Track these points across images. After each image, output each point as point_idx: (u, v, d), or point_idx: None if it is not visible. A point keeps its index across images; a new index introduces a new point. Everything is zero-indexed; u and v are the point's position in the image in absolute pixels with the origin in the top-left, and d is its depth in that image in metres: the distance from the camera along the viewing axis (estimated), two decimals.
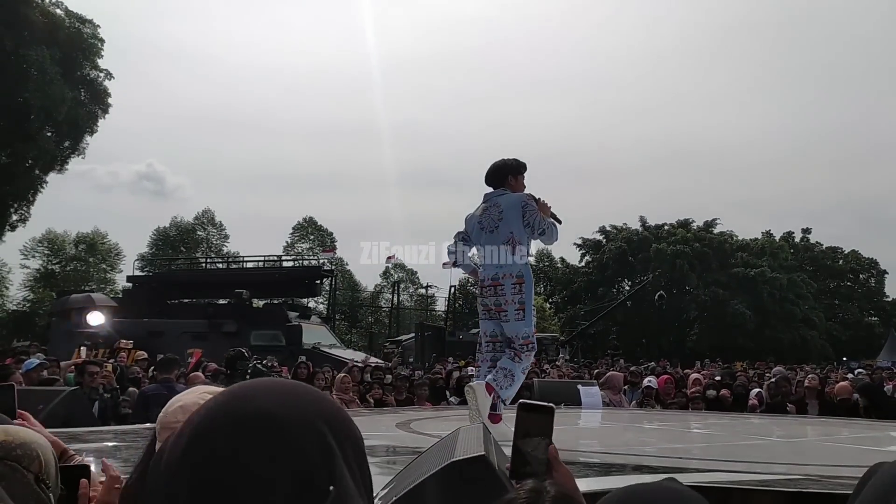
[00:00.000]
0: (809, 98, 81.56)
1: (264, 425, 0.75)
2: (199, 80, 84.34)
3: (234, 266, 31.69)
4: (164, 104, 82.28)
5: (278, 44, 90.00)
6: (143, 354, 11.63)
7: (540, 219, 4.58)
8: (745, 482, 2.88)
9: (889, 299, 57.64)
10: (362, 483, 0.80)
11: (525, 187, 4.85)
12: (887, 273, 55.98)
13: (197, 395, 1.57)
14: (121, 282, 44.10)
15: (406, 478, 2.23)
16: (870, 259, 55.48)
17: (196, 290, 25.14)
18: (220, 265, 36.26)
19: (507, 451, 1.79)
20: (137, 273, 29.89)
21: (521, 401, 1.71)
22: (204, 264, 36.52)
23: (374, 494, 2.08)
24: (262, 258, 27.71)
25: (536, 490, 1.32)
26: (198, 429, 0.77)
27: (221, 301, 24.46)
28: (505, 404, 4.58)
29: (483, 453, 1.87)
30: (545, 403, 1.64)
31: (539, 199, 4.73)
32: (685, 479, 2.99)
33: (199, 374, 8.66)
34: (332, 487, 0.74)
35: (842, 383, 10.13)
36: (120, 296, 26.90)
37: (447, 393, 10.58)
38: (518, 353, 4.63)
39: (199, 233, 56.81)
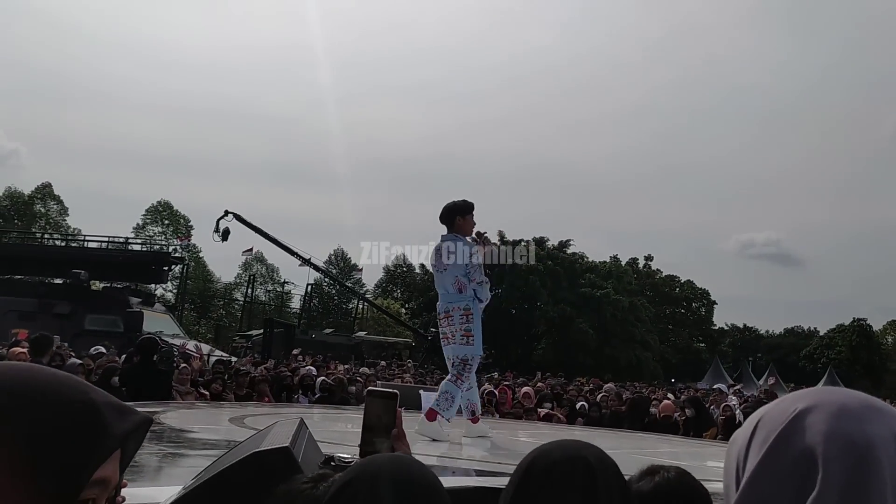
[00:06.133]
0: (656, 133, 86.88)
1: None
2: (49, 43, 78.28)
3: (74, 245, 29.70)
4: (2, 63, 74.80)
5: (143, 14, 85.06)
6: None
7: (479, 273, 5.49)
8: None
9: (716, 328, 62.90)
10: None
11: (474, 224, 5.67)
12: (717, 304, 61.05)
13: None
14: None
15: (214, 469, 2.22)
16: (703, 290, 60.11)
17: (28, 266, 23.35)
18: (58, 242, 33.85)
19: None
20: None
21: (369, 388, 1.89)
22: (40, 240, 33.88)
23: (185, 485, 2.06)
24: (107, 238, 26.12)
25: (322, 476, 1.41)
26: None
27: (57, 280, 22.92)
28: (448, 421, 5.43)
29: (287, 444, 1.89)
30: (390, 390, 1.81)
31: (484, 234, 5.63)
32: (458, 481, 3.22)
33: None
34: None
35: (665, 402, 11.02)
36: None
37: (297, 391, 10.53)
38: (458, 376, 5.45)
39: (37, 206, 52.70)
